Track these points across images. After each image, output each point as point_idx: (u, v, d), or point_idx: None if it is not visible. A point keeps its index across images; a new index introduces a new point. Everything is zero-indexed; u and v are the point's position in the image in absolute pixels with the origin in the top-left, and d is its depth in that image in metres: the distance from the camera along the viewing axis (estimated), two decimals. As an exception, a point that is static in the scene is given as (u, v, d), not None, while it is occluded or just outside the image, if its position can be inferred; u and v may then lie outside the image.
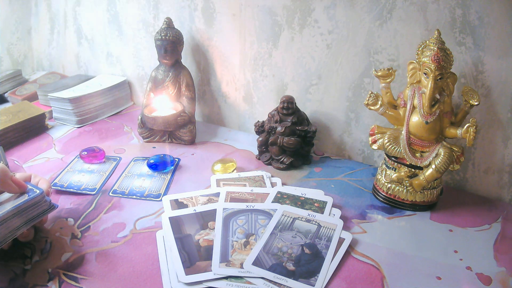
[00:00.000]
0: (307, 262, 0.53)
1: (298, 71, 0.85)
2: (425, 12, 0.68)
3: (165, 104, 0.91)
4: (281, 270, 0.52)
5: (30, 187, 0.54)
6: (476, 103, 0.62)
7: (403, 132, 0.65)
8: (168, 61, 0.90)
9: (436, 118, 0.63)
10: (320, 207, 0.65)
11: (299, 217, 0.61)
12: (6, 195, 0.54)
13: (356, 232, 0.61)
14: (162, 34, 0.88)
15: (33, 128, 0.93)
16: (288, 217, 0.61)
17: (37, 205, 0.53)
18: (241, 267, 0.52)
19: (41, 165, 0.79)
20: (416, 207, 0.67)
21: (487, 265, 0.54)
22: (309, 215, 0.62)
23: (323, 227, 0.60)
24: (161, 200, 0.67)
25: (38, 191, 0.53)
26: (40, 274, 0.51)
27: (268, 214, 0.62)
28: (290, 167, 0.79)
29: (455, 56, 0.63)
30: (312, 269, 0.52)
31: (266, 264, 0.52)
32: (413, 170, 0.66)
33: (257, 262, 0.53)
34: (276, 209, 0.63)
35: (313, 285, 0.50)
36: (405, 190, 0.66)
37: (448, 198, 0.70)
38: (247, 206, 0.64)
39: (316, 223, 0.60)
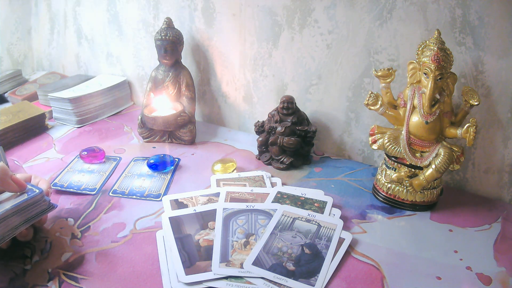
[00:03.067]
0: (307, 262, 0.53)
1: (298, 71, 0.85)
2: (425, 12, 0.68)
3: (165, 104, 0.91)
4: (281, 270, 0.52)
5: (29, 186, 0.54)
6: (476, 103, 0.62)
7: (403, 132, 0.65)
8: (168, 61, 0.90)
9: (436, 118, 0.63)
10: (320, 207, 0.65)
11: (299, 217, 0.62)
12: (6, 195, 0.54)
13: (356, 232, 0.61)
14: (162, 34, 0.88)
15: (33, 128, 0.93)
16: (288, 217, 0.62)
17: (36, 204, 0.53)
18: (241, 267, 0.52)
19: (41, 165, 0.79)
20: (416, 207, 0.67)
21: (487, 265, 0.54)
22: (309, 215, 0.62)
23: (323, 227, 0.60)
24: (161, 200, 0.67)
25: (37, 191, 0.53)
26: (40, 274, 0.51)
27: (268, 214, 0.62)
28: (290, 167, 0.79)
29: (455, 56, 0.63)
30: (312, 269, 0.52)
31: (266, 264, 0.53)
32: (413, 170, 0.66)
33: (257, 262, 0.53)
34: (276, 209, 0.63)
35: (313, 285, 0.50)
36: (405, 190, 0.66)
37: (448, 198, 0.70)
38: (247, 206, 0.64)
39: (316, 223, 0.61)
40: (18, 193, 0.54)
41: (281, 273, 0.51)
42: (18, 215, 0.51)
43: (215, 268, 0.51)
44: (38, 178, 0.59)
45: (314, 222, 0.61)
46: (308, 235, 0.58)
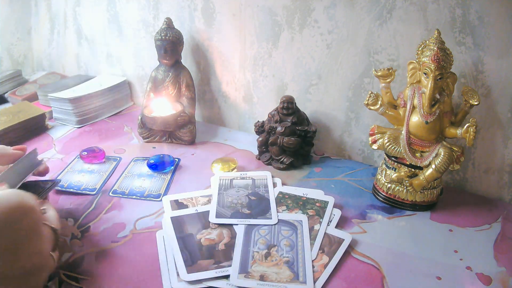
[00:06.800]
0: (257, 205, 0.65)
1: (298, 71, 0.85)
2: (425, 12, 0.68)
3: (165, 105, 0.91)
4: (241, 215, 0.62)
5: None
6: (476, 103, 0.63)
7: (403, 132, 0.65)
8: (168, 61, 0.90)
9: (436, 118, 0.63)
10: (321, 206, 0.65)
11: (234, 178, 0.73)
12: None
13: (356, 232, 0.61)
14: (162, 34, 0.88)
15: (33, 129, 0.93)
16: (226, 179, 0.72)
17: (32, 160, 0.58)
18: (260, 279, 0.50)
19: (41, 165, 0.79)
20: (416, 207, 0.67)
21: (487, 265, 0.55)
22: (241, 174, 0.74)
23: (257, 179, 0.73)
24: (161, 200, 0.67)
25: (53, 180, 0.58)
26: (40, 274, 0.51)
27: (292, 225, 0.61)
28: (290, 167, 0.79)
29: (455, 56, 0.63)
30: (264, 208, 0.64)
31: (227, 215, 0.62)
32: (413, 170, 0.66)
33: (219, 215, 0.62)
34: (302, 220, 0.61)
35: (270, 218, 0.62)
36: (405, 190, 0.66)
37: (448, 198, 0.70)
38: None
39: (250, 178, 0.73)
40: None
41: (241, 217, 0.62)
42: (14, 173, 0.53)
43: (233, 279, 0.50)
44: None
45: (248, 178, 0.73)
46: (248, 187, 0.70)
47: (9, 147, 0.58)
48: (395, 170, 0.67)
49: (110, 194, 0.70)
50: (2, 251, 0.38)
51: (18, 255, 0.39)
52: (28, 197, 0.42)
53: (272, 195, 0.68)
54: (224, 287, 0.49)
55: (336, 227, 0.61)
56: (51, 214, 0.49)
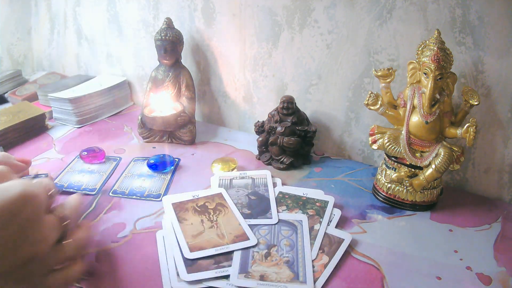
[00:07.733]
0: (257, 205, 0.65)
1: (298, 71, 0.85)
2: (425, 12, 0.68)
3: (165, 104, 0.91)
4: (242, 215, 0.62)
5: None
6: (476, 103, 0.63)
7: (403, 132, 0.65)
8: (168, 61, 0.90)
9: (436, 118, 0.63)
10: (322, 206, 0.65)
11: (234, 177, 0.73)
12: None
13: (356, 232, 0.61)
14: (162, 34, 0.88)
15: (33, 129, 0.93)
16: (225, 179, 0.72)
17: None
18: (261, 279, 0.50)
19: (41, 165, 0.79)
20: (416, 207, 0.67)
21: (487, 265, 0.55)
22: (240, 173, 0.74)
23: (256, 178, 0.73)
24: (161, 200, 0.67)
25: (43, 175, 0.55)
26: (40, 274, 0.51)
27: (292, 225, 0.61)
28: (290, 167, 0.79)
29: (455, 56, 0.63)
30: (264, 208, 0.64)
31: None
32: (413, 170, 0.66)
33: None
34: (302, 220, 0.61)
35: (270, 218, 0.62)
36: (405, 190, 0.66)
37: (448, 198, 0.70)
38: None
39: (250, 177, 0.73)
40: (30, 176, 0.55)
41: (242, 217, 0.61)
42: None
43: (233, 279, 0.50)
44: (35, 169, 0.61)
45: (247, 177, 0.73)
46: (247, 187, 0.70)
47: (13, 156, 0.57)
48: (395, 170, 0.67)
49: (110, 194, 0.69)
50: (2, 242, 0.38)
51: (17, 244, 0.38)
52: (33, 185, 0.41)
53: (272, 194, 0.68)
54: (224, 287, 0.49)
55: (336, 227, 0.61)
56: (64, 204, 0.47)
